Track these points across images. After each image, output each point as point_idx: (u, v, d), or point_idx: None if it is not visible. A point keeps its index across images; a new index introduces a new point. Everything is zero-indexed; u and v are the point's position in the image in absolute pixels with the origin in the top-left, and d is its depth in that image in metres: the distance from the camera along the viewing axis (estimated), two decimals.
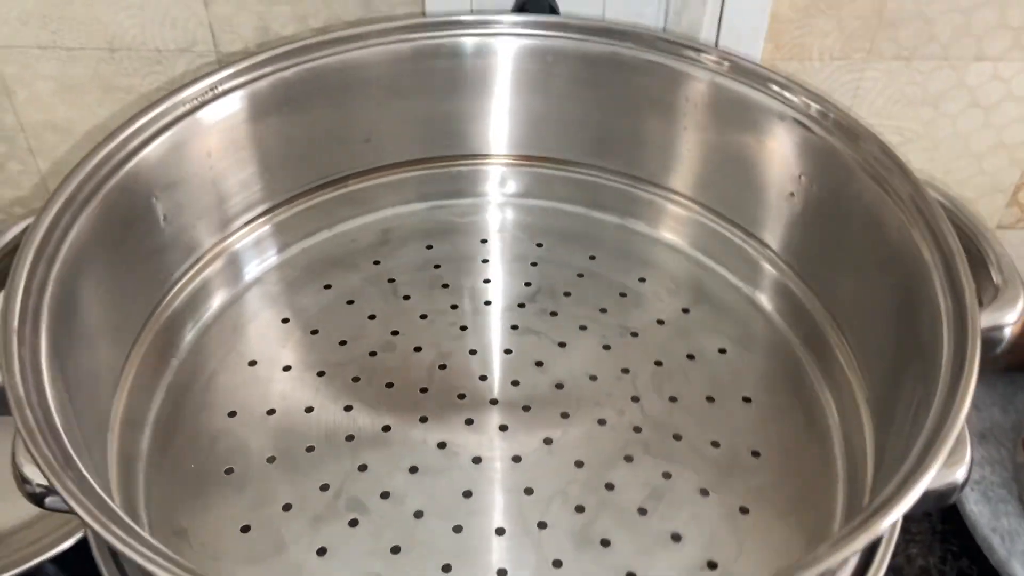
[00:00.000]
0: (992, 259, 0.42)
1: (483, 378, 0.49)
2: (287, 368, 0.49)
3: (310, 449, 0.45)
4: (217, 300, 0.51)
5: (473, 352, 0.50)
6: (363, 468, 0.44)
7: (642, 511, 0.42)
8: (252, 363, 0.49)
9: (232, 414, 0.46)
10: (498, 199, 0.60)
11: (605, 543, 0.41)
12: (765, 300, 0.53)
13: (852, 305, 0.47)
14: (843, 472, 0.44)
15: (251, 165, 0.50)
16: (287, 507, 0.42)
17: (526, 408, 0.47)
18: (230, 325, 0.51)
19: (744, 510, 0.43)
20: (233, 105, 0.48)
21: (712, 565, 0.40)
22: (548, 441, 0.45)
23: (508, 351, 0.50)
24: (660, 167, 0.57)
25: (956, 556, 0.50)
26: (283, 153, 0.52)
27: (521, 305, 0.53)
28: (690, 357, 0.50)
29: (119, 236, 0.43)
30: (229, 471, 0.44)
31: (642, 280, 0.55)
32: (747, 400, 0.48)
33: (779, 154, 0.50)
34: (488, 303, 0.53)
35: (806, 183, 0.49)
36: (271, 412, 0.46)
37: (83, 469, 0.30)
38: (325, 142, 0.53)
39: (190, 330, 0.50)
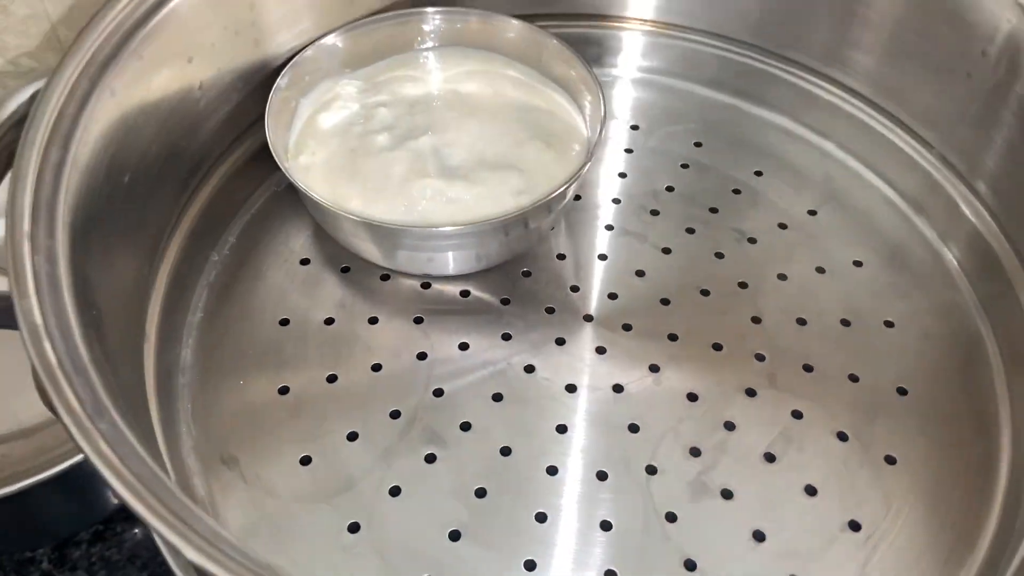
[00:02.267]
0: None
1: (575, 289, 0.41)
2: (345, 270, 0.42)
3: (376, 368, 0.38)
4: (264, 188, 0.44)
5: (561, 257, 0.43)
6: (438, 393, 0.37)
7: (769, 457, 0.36)
8: (304, 262, 0.42)
9: (284, 322, 0.40)
10: None
11: (727, 494, 0.35)
12: (912, 203, 0.44)
13: None
14: (1008, 415, 0.37)
15: (306, 19, 0.41)
16: (353, 436, 0.36)
17: (627, 327, 0.40)
18: (278, 217, 0.43)
19: (890, 460, 0.36)
20: None
21: (855, 526, 0.34)
22: (654, 368, 0.38)
23: (603, 256, 0.43)
24: (796, 37, 0.47)
25: None
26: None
27: (616, 201, 0.45)
28: (819, 270, 0.42)
29: (151, 107, 0.35)
30: (284, 391, 0.37)
31: (758, 173, 0.46)
32: (890, 325, 0.40)
33: (985, 41, 0.39)
34: (577, 197, 0.45)
35: (993, 66, 0.39)
36: (329, 322, 0.40)
37: (118, 419, 0.23)
38: None
39: (233, 223, 0.43)
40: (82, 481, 0.42)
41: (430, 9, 0.43)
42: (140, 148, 0.34)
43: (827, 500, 0.35)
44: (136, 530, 0.45)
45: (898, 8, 0.41)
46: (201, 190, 0.41)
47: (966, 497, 0.35)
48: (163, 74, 0.35)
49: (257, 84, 0.41)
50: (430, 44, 0.44)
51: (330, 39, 0.42)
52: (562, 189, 0.38)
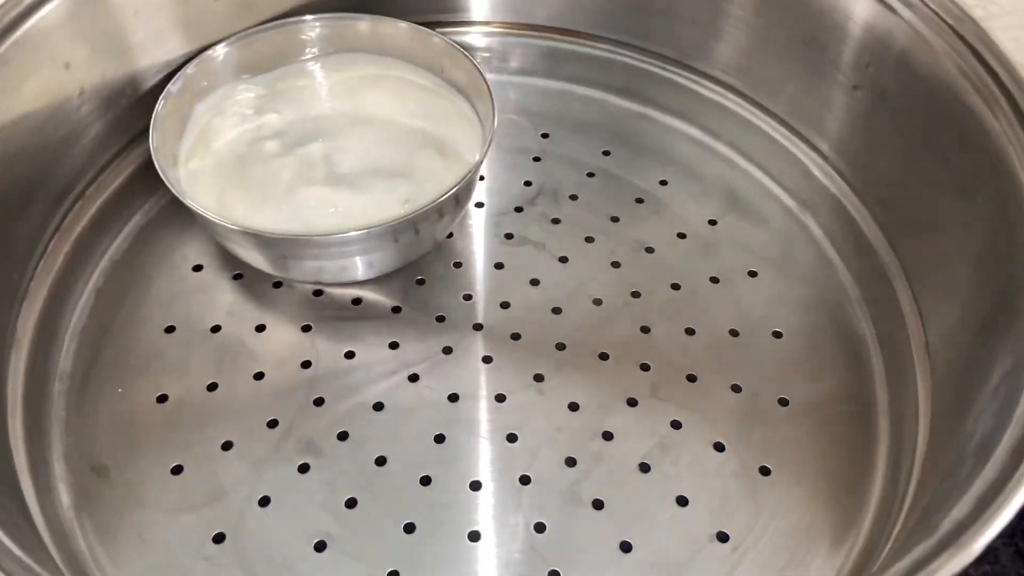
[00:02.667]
0: None
1: (467, 297, 0.41)
2: (238, 276, 0.42)
3: (259, 376, 0.38)
4: (161, 194, 0.44)
5: (458, 265, 0.43)
6: (319, 402, 0.37)
7: (644, 467, 0.36)
8: (197, 268, 0.42)
9: (170, 329, 0.39)
10: (495, 75, 0.50)
11: (597, 505, 0.35)
12: (810, 215, 0.44)
13: (923, 236, 0.38)
14: (887, 430, 0.37)
15: (198, 26, 0.41)
16: (227, 446, 0.36)
17: (516, 336, 0.40)
18: (175, 223, 0.43)
19: (764, 471, 0.36)
20: None
21: (722, 537, 0.34)
22: (539, 378, 0.38)
23: (499, 265, 0.43)
24: (696, 45, 0.47)
25: None
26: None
27: (518, 209, 0.45)
28: (714, 280, 0.42)
29: (21, 116, 0.34)
30: (162, 399, 0.37)
31: (663, 183, 0.46)
32: (777, 336, 0.40)
33: (847, 37, 0.40)
34: (479, 205, 0.45)
35: (874, 74, 0.39)
36: (216, 329, 0.40)
37: None
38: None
39: (126, 228, 0.42)
40: None
41: (312, 16, 0.43)
42: (8, 157, 0.34)
43: (697, 511, 0.35)
44: None
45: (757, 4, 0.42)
46: (88, 196, 0.40)
47: (838, 509, 0.35)
48: (35, 81, 0.35)
49: (150, 89, 0.41)
50: (330, 50, 0.44)
51: (223, 47, 0.42)
52: (446, 196, 0.38)
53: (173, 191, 0.37)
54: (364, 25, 0.43)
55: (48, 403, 0.36)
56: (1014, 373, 0.29)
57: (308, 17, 0.43)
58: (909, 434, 0.36)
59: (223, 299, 0.41)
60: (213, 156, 0.40)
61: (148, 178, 0.43)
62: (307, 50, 0.44)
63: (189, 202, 0.37)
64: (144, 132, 0.42)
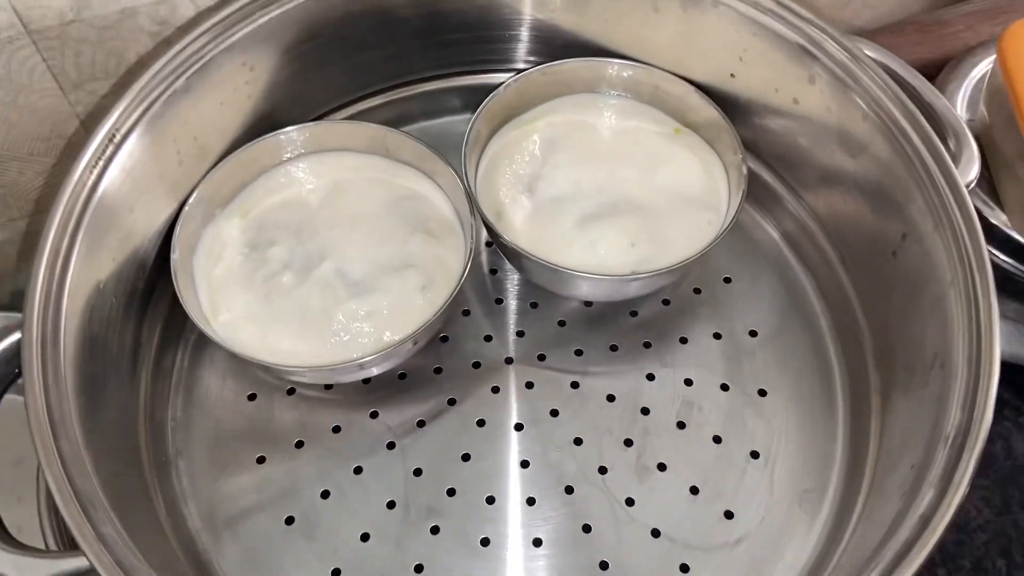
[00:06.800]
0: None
1: (488, 338, 0.49)
2: (291, 391, 0.47)
3: (358, 471, 0.44)
4: (183, 346, 0.47)
5: (466, 313, 0.49)
6: (417, 472, 0.44)
7: (680, 425, 0.46)
8: (251, 397, 0.47)
9: (261, 460, 0.45)
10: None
11: (662, 467, 0.45)
12: None
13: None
14: (831, 333, 0.49)
15: (163, 191, 0.44)
16: (365, 537, 0.43)
17: (541, 357, 0.48)
18: (206, 366, 0.47)
19: (762, 392, 0.47)
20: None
21: (755, 455, 0.45)
22: (575, 385, 0.47)
23: (499, 300, 0.50)
24: None
25: None
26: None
27: (488, 244, 0.52)
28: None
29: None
30: (290, 520, 0.43)
31: None
32: (727, 280, 0.51)
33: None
34: None
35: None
36: (299, 445, 0.45)
37: None
38: None
39: (173, 388, 0.46)
40: None
41: (289, 129, 0.47)
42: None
43: (730, 443, 0.46)
44: None
45: None
46: (140, 376, 0.44)
47: (820, 402, 0.47)
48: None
49: (155, 259, 0.44)
50: (288, 155, 0.48)
51: (196, 195, 0.45)
52: (464, 277, 0.43)
53: (240, 354, 0.41)
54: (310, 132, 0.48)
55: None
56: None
57: (269, 134, 0.47)
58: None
59: (289, 417, 0.46)
60: (238, 303, 0.44)
61: (170, 339, 0.47)
62: (275, 160, 0.48)
63: (258, 359, 0.41)
64: (151, 300, 0.45)
